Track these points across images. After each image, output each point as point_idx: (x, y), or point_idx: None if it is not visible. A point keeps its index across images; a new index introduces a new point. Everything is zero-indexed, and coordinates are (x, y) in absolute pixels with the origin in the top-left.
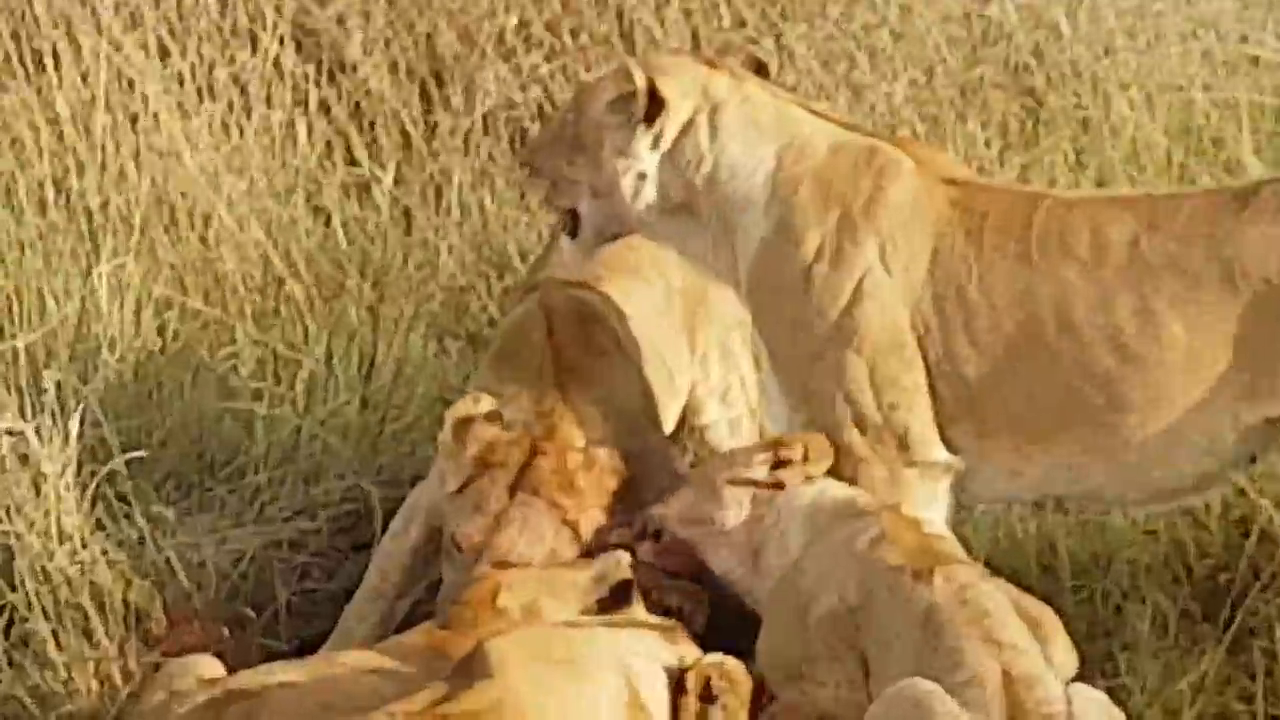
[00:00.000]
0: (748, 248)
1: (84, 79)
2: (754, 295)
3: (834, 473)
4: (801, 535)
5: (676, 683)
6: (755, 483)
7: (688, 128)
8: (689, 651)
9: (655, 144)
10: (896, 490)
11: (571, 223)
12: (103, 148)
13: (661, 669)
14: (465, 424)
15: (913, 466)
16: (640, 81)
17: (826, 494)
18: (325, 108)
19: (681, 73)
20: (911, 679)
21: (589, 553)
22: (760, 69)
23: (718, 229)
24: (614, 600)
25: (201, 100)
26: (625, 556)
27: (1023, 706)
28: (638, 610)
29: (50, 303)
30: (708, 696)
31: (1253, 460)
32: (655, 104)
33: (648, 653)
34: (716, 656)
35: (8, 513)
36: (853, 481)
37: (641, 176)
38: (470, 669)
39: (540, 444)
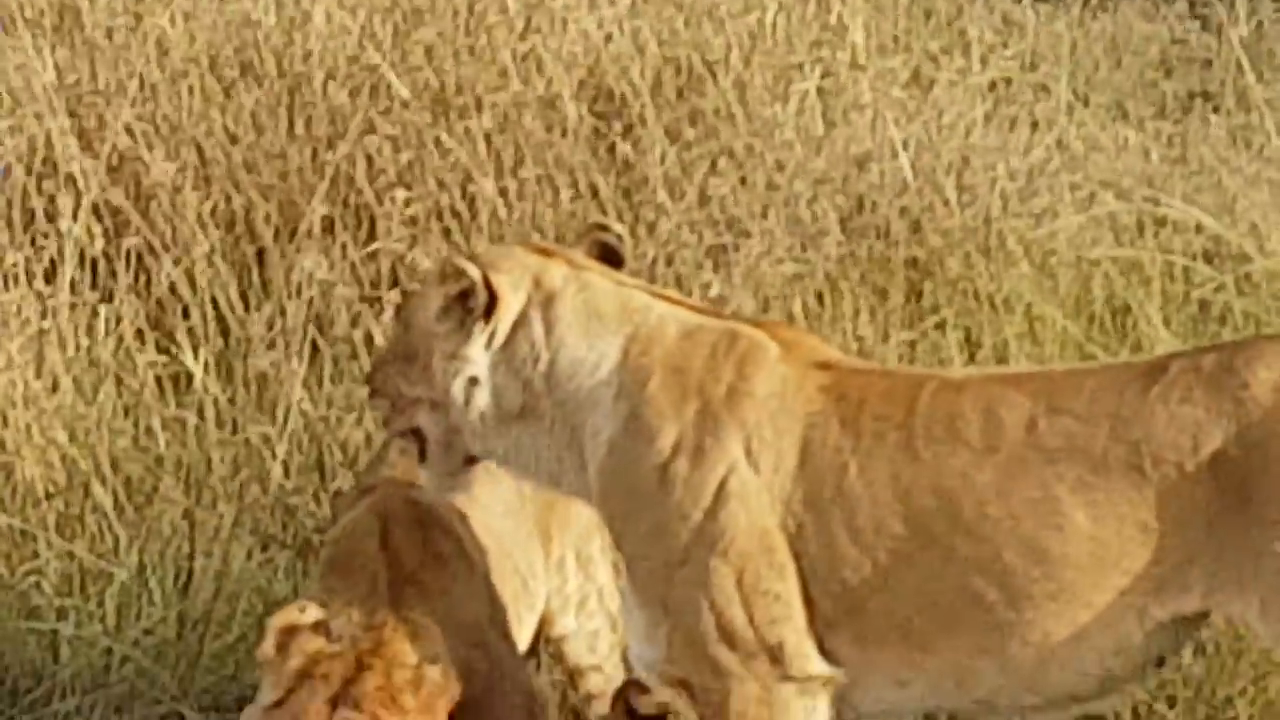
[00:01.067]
0: (596, 451)
1: None
2: (606, 502)
3: (703, 690)
4: None
5: None
6: None
7: (520, 323)
8: None
9: (489, 344)
10: (772, 709)
11: (419, 446)
12: None
13: None
14: (289, 634)
15: (789, 682)
16: (475, 274)
17: None
18: (135, 293)
19: (510, 264)
20: None
21: None
22: (609, 254)
23: (561, 434)
24: None
25: None
26: None
27: None
28: None
29: None
30: None
31: (1160, 663)
32: (491, 299)
33: None
34: None
35: None
36: (724, 699)
37: (474, 381)
38: None
39: (366, 658)
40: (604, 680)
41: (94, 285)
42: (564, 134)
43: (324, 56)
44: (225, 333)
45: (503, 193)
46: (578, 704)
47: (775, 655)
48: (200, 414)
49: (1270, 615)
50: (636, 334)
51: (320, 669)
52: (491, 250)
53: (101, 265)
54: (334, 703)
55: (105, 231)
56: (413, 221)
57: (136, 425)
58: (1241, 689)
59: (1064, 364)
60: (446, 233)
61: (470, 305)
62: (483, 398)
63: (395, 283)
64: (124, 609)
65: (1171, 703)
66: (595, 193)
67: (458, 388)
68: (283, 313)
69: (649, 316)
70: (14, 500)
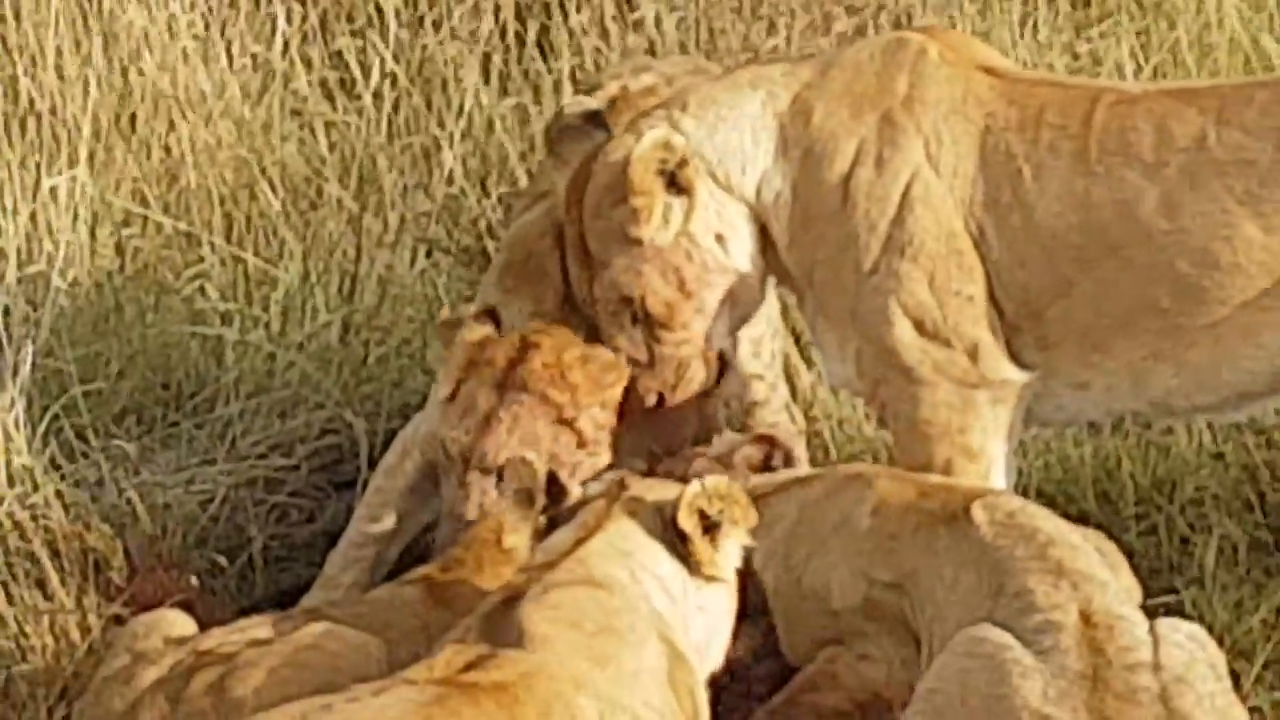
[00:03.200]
0: (780, 214)
1: None
2: (793, 249)
3: (892, 400)
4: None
5: (671, 527)
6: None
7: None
8: (659, 491)
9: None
10: (964, 415)
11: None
12: (56, 47)
13: (669, 563)
14: (453, 325)
15: (981, 388)
16: (679, 143)
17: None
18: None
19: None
20: (982, 627)
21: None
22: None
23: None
24: (550, 498)
25: None
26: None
27: (1104, 653)
28: (573, 488)
29: None
30: (709, 525)
31: None
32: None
33: (641, 545)
34: (694, 485)
35: None
36: (914, 406)
37: (720, 238)
38: (497, 634)
39: (532, 339)
40: (767, 389)
41: None
42: None
43: None
44: (396, 37)
45: None
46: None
47: (972, 355)
48: (366, 117)
49: None
50: (771, 95)
51: (485, 354)
52: (621, 128)
53: None
54: (501, 387)
55: None
56: None
57: (303, 129)
58: None
59: (1238, 78)
60: None
61: (682, 180)
62: (743, 244)
63: None
64: (289, 314)
65: None
66: None
67: (715, 254)
68: (450, 14)
69: (766, 78)
70: (180, 204)
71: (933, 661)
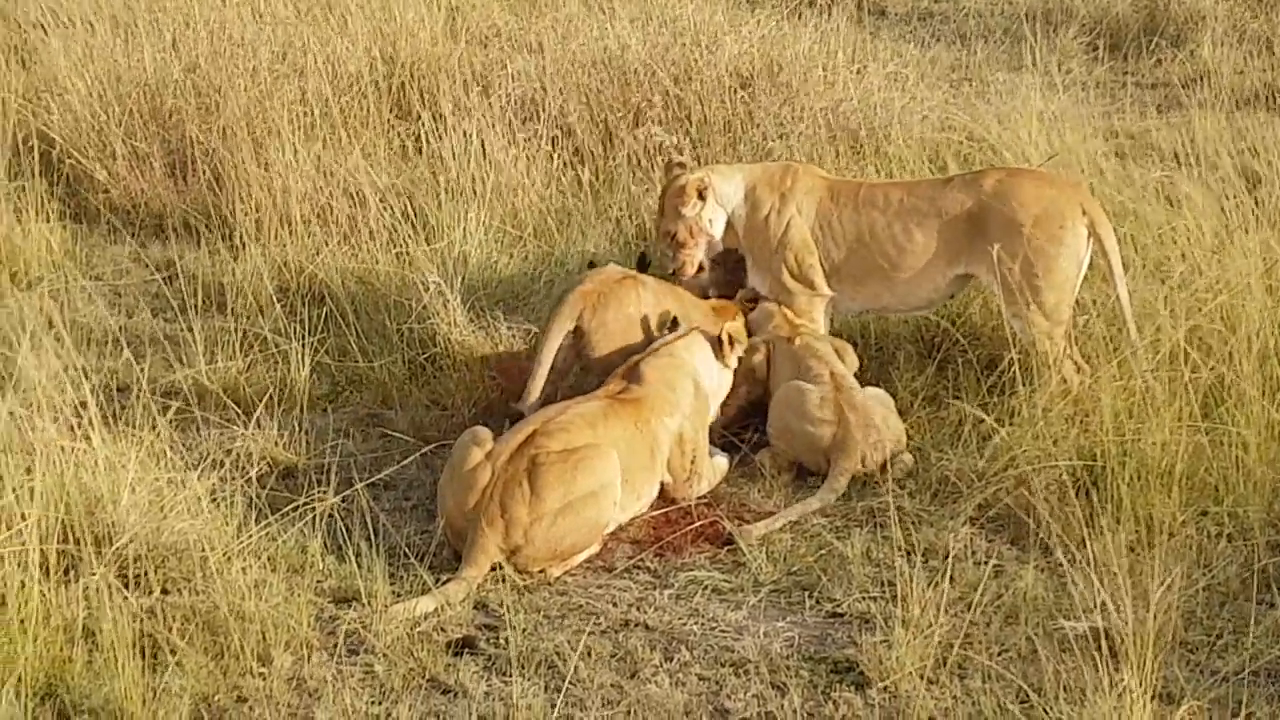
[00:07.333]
0: (741, 223)
1: None
2: (747, 239)
3: (783, 300)
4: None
5: (715, 343)
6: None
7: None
8: (709, 328)
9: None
10: (809, 305)
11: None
12: None
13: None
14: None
15: (815, 296)
16: (706, 179)
17: (765, 311)
18: None
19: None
20: (794, 382)
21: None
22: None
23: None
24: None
25: None
26: None
27: (842, 388)
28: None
29: None
30: (728, 343)
31: (952, 296)
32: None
33: (700, 346)
34: (727, 325)
35: (432, 322)
36: (791, 304)
37: (711, 221)
38: (632, 378)
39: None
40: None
41: None
42: None
43: None
44: None
45: None
46: None
47: (811, 285)
48: None
49: (991, 274)
50: (745, 174)
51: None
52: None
53: None
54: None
55: None
56: None
57: None
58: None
59: (922, 176)
60: None
61: (704, 194)
62: (718, 227)
63: None
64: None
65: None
66: None
67: (708, 228)
68: None
69: (744, 169)
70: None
71: (776, 390)
